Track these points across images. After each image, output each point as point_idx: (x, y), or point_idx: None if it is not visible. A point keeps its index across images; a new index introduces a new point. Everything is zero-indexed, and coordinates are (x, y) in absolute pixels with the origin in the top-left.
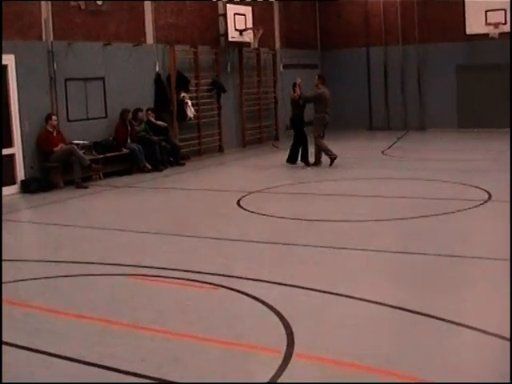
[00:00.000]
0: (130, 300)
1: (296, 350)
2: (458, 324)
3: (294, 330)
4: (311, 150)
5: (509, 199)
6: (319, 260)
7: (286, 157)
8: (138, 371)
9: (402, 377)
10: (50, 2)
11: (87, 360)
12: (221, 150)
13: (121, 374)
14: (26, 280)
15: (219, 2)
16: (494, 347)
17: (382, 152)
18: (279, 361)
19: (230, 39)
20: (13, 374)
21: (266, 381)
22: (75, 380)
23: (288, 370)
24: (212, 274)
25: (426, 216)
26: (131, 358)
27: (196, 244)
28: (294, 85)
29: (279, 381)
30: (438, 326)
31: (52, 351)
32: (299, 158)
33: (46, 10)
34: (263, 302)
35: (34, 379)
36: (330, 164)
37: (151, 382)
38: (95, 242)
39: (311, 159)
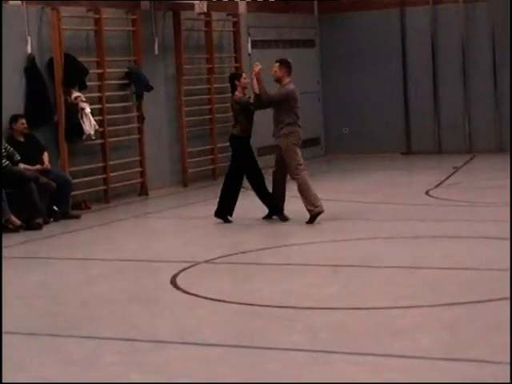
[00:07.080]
0: None
1: None
2: None
3: None
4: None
5: None
6: (308, 375)
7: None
8: None
9: None
10: None
11: None
12: (144, 191)
13: None
14: None
15: None
16: None
17: (427, 192)
18: None
19: None
20: None
21: None
22: None
23: None
24: None
25: (490, 300)
26: None
27: (96, 350)
28: (234, 77)
29: None
30: None
31: None
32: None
33: None
34: None
35: None
36: (310, 221)
37: None
38: None
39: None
